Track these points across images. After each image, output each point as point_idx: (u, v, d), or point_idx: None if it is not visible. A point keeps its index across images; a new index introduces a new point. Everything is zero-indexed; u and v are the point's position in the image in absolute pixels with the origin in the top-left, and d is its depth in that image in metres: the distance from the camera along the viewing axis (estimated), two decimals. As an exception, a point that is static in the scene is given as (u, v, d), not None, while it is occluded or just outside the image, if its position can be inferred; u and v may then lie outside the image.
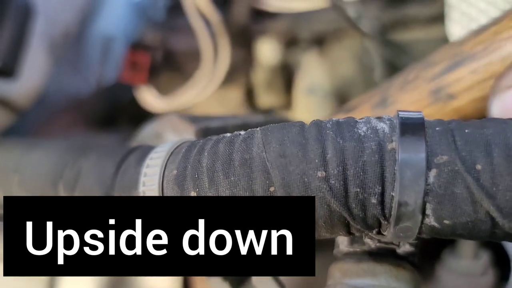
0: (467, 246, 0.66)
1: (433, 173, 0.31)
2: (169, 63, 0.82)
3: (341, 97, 0.86)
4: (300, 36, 0.84)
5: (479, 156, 0.31)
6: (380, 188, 0.32)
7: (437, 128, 0.33)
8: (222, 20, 0.79)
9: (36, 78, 0.87)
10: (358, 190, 0.32)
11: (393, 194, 0.32)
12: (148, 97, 0.82)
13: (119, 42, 1.60)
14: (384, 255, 0.38)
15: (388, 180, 0.32)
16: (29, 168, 0.45)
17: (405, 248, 0.38)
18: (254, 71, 0.85)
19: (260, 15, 0.82)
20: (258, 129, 0.37)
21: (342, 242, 0.40)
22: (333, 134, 0.33)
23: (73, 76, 1.44)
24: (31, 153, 0.47)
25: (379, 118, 0.34)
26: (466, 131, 0.32)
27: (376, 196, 0.32)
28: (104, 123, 1.21)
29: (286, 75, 0.87)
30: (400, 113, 0.34)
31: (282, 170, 0.33)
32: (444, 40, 0.79)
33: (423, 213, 0.32)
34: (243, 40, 0.85)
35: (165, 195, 0.37)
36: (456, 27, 0.73)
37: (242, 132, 0.37)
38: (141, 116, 0.99)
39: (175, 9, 0.86)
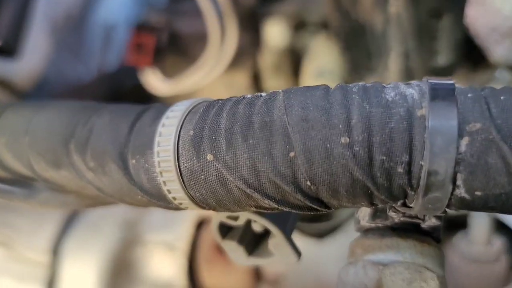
0: (480, 232, 0.65)
1: (465, 141, 0.30)
2: (175, 45, 0.80)
3: (350, 81, 0.85)
4: (308, 19, 0.82)
5: None
6: (407, 156, 0.30)
7: (469, 95, 0.31)
8: (230, 1, 0.77)
9: (37, 59, 0.86)
10: (384, 158, 0.31)
11: (422, 163, 0.30)
12: (153, 80, 0.80)
13: (120, 29, 1.58)
14: (408, 230, 0.37)
15: (417, 148, 0.30)
16: (39, 129, 0.44)
17: (430, 222, 0.37)
18: (262, 54, 0.84)
19: (269, -1, 0.81)
20: (280, 91, 0.35)
21: (363, 218, 0.38)
22: (359, 99, 0.32)
23: (74, 62, 1.42)
24: (41, 113, 0.45)
25: (407, 84, 0.33)
26: (502, 97, 0.31)
27: (403, 165, 0.31)
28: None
29: (294, 59, 0.86)
30: (429, 79, 0.33)
31: (304, 135, 0.32)
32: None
33: (454, 183, 0.30)
34: (250, 23, 0.83)
35: (180, 155, 0.35)
36: None
37: (264, 94, 0.36)
38: (145, 102, 0.97)
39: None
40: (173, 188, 0.36)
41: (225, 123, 0.34)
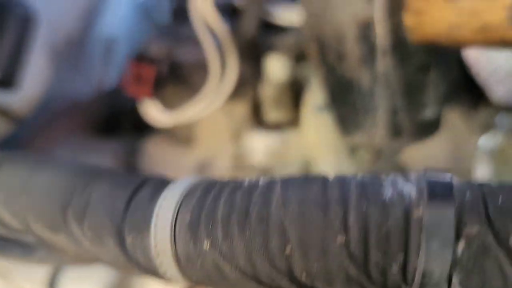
0: None
1: (461, 244, 0.30)
2: (175, 75, 0.80)
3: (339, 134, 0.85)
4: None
5: None
6: (403, 256, 0.31)
7: (467, 194, 0.31)
8: (229, 32, 0.77)
9: (37, 87, 0.86)
10: (380, 257, 0.31)
11: (418, 263, 0.30)
12: (153, 112, 0.80)
13: (122, 44, 1.58)
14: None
15: (413, 249, 0.30)
16: (37, 190, 0.44)
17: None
18: (263, 85, 0.83)
19: (270, 29, 0.80)
20: (278, 181, 0.35)
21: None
22: (357, 197, 0.32)
23: (74, 78, 1.42)
24: (39, 173, 0.45)
25: (405, 179, 0.33)
26: (500, 198, 0.31)
27: (398, 264, 0.31)
28: (107, 128, 1.19)
29: (295, 91, 0.86)
30: (427, 175, 0.33)
31: (300, 232, 0.32)
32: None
33: (449, 284, 0.31)
34: (252, 53, 0.83)
35: (177, 240, 0.36)
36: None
37: (261, 181, 0.36)
38: (145, 121, 0.97)
39: (181, 17, 0.83)
40: (169, 269, 0.36)
41: (222, 211, 0.34)
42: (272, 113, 0.84)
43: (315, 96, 0.83)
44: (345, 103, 0.48)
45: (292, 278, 0.33)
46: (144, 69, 0.77)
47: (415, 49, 0.45)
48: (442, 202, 0.31)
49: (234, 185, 0.36)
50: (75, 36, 0.96)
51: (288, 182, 0.35)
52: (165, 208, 0.36)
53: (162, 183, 0.39)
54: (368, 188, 0.33)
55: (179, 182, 0.38)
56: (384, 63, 0.44)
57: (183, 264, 0.36)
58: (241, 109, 0.87)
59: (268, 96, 0.83)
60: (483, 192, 0.32)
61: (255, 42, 0.80)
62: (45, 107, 1.22)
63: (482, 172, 0.63)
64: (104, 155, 0.98)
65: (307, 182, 0.34)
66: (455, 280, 0.30)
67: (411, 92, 0.48)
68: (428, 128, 0.52)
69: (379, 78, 0.45)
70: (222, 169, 0.90)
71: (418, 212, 0.31)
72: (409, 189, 0.32)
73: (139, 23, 1.63)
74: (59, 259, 0.47)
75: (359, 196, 0.32)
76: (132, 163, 0.99)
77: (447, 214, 0.30)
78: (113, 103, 1.22)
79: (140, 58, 0.78)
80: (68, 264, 0.50)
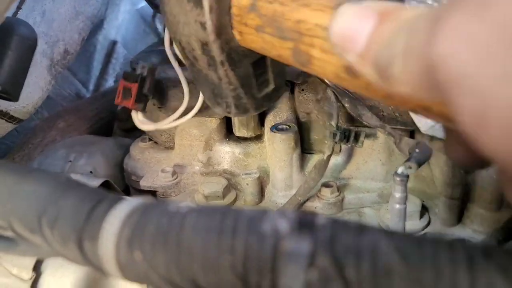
0: None
1: (312, 272, 0.39)
2: (156, 90, 0.90)
3: (304, 135, 0.98)
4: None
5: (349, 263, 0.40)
6: (271, 276, 0.41)
7: (325, 232, 0.42)
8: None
9: (36, 94, 0.95)
10: (256, 276, 0.41)
11: (279, 283, 0.41)
12: (135, 119, 0.91)
13: (121, 47, 1.68)
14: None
15: (278, 272, 0.41)
16: (20, 198, 0.55)
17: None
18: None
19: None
20: (194, 209, 0.46)
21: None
22: (243, 227, 0.42)
23: (73, 79, 1.52)
24: (23, 183, 0.56)
25: (283, 215, 0.43)
26: (348, 237, 0.40)
27: (268, 282, 0.41)
28: (102, 126, 1.29)
29: (261, 113, 0.97)
30: (300, 214, 0.43)
31: (203, 252, 0.43)
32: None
33: None
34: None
35: (118, 250, 0.47)
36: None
37: (183, 208, 0.47)
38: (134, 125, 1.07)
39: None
40: (114, 272, 0.48)
41: (151, 231, 0.46)
42: (241, 130, 0.96)
43: (275, 118, 0.94)
44: (207, 89, 0.57)
45: (197, 286, 0.45)
46: (129, 86, 0.88)
47: (247, 52, 0.53)
48: (302, 237, 0.41)
49: (162, 210, 0.47)
50: (75, 47, 1.04)
51: (200, 212, 0.46)
52: (112, 224, 0.48)
53: (114, 201, 0.51)
54: (253, 221, 0.44)
55: (126, 203, 0.50)
56: (222, 70, 0.53)
57: (123, 269, 0.47)
58: (212, 121, 0.99)
59: (237, 118, 0.94)
60: (338, 230, 0.42)
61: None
62: (44, 107, 1.32)
63: (396, 195, 0.73)
64: (96, 153, 1.09)
65: (213, 212, 0.45)
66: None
67: (250, 83, 0.56)
68: (272, 97, 0.60)
69: (222, 79, 0.54)
70: (194, 173, 1.02)
71: (284, 243, 0.42)
72: (283, 224, 0.43)
73: (137, 28, 1.73)
74: (38, 252, 0.59)
75: (245, 227, 0.43)
76: (119, 162, 1.10)
77: (303, 247, 0.41)
78: (108, 106, 1.32)
79: (127, 75, 0.89)
80: (46, 257, 0.61)
